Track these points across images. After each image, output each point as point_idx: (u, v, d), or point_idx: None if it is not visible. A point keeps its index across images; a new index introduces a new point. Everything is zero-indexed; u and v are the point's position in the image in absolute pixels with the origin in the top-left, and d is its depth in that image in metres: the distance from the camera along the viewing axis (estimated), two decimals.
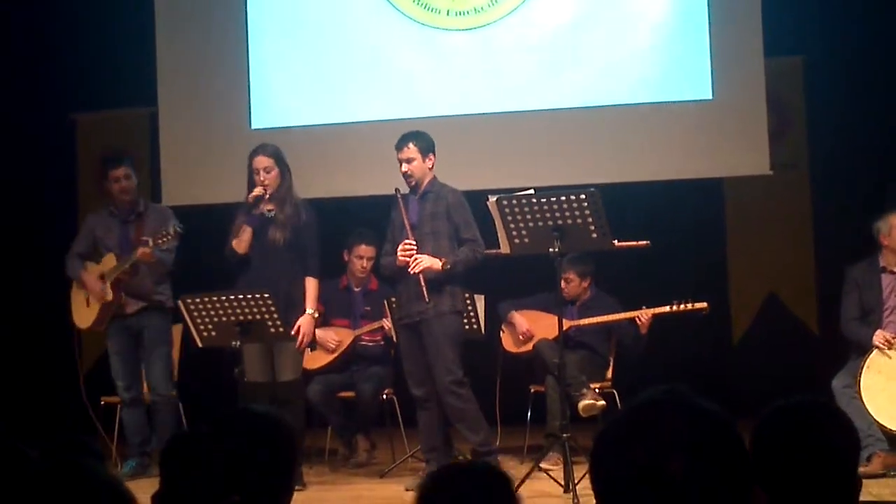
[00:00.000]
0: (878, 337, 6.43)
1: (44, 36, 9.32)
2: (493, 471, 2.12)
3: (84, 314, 7.12)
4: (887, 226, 6.64)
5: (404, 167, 6.47)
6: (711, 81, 8.04)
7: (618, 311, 7.33)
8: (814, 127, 8.69)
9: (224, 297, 6.27)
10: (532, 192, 6.16)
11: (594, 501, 1.64)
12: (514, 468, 6.80)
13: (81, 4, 9.14)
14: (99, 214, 7.30)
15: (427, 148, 6.50)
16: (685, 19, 8.12)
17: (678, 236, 8.34)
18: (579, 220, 6.02)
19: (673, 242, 8.08)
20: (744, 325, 8.98)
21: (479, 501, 2.05)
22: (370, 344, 7.60)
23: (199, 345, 6.45)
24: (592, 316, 7.34)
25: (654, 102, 8.13)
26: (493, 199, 6.16)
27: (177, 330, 7.45)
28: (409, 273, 6.32)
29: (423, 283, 6.27)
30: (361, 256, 7.58)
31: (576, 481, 5.69)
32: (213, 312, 6.29)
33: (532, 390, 7.30)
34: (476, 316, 7.14)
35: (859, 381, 6.34)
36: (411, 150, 6.47)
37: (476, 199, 6.49)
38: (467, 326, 6.82)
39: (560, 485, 5.92)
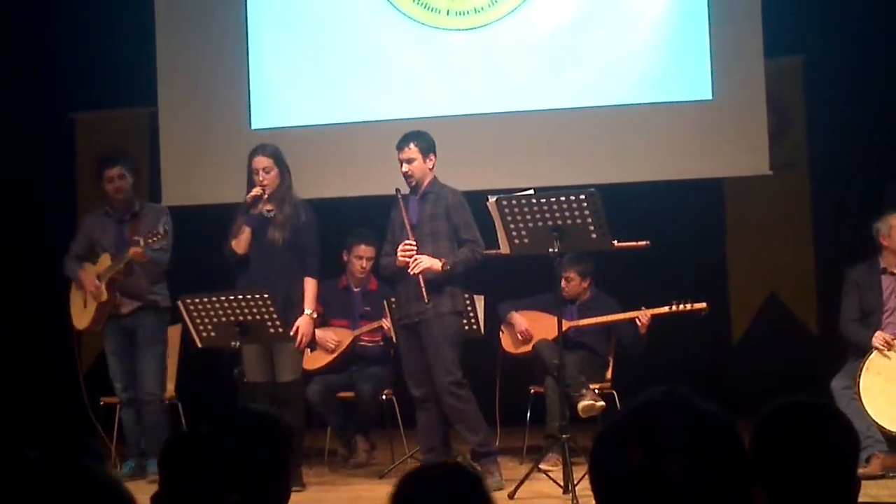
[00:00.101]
0: (878, 338, 6.42)
1: (44, 35, 9.32)
2: (465, 471, 2.13)
3: (81, 315, 7.12)
4: (886, 226, 6.64)
5: (405, 167, 6.47)
6: (711, 81, 8.04)
7: (617, 312, 7.33)
8: (813, 127, 8.69)
9: (223, 298, 6.27)
10: (532, 192, 6.16)
11: (593, 502, 1.64)
12: (513, 469, 6.81)
13: (81, 4, 9.14)
14: (95, 215, 7.30)
15: (428, 148, 6.50)
16: (685, 19, 8.12)
17: (678, 236, 8.34)
18: (579, 221, 6.02)
19: (672, 243, 8.08)
20: (743, 326, 8.98)
21: (452, 502, 2.06)
22: (369, 344, 7.60)
23: (199, 345, 6.45)
24: (592, 316, 7.34)
25: (653, 102, 8.13)
26: (492, 199, 6.16)
27: (176, 330, 7.45)
28: (409, 273, 6.32)
29: (422, 284, 6.26)
30: (361, 257, 7.58)
31: (575, 482, 5.69)
32: (212, 313, 6.29)
33: (531, 391, 7.30)
34: (476, 316, 7.15)
35: (858, 382, 6.34)
36: (412, 150, 6.47)
37: (476, 199, 6.49)
38: (467, 327, 6.82)
39: (559, 486, 5.92)
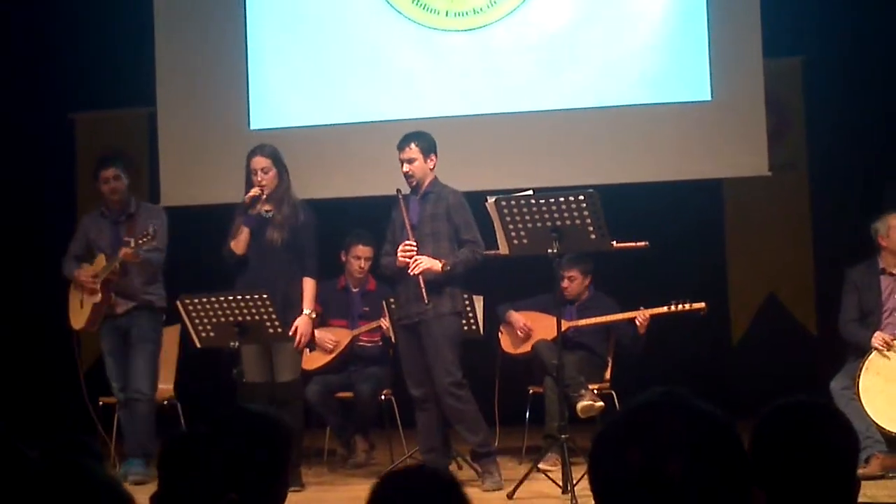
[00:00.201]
0: (877, 339, 6.42)
1: (43, 36, 9.33)
2: (442, 474, 2.13)
3: (78, 315, 7.12)
4: (885, 226, 6.64)
5: (405, 167, 6.47)
6: (710, 82, 8.05)
7: (616, 312, 7.34)
8: (812, 127, 8.70)
9: (222, 298, 6.27)
10: (531, 192, 6.16)
11: (592, 503, 1.64)
12: (512, 469, 6.81)
13: (81, 4, 9.14)
14: (92, 215, 7.30)
15: (429, 148, 6.50)
16: (684, 20, 8.13)
17: (677, 237, 8.34)
18: (578, 221, 6.02)
19: (672, 243, 8.08)
20: (743, 326, 8.98)
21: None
22: (368, 344, 7.60)
23: (198, 345, 6.45)
24: (591, 316, 7.34)
25: (652, 103, 8.13)
26: (491, 199, 6.16)
27: (175, 330, 7.45)
28: (409, 274, 6.33)
29: (422, 285, 6.26)
30: (359, 257, 7.58)
31: (574, 482, 5.69)
32: (211, 313, 6.29)
33: (531, 391, 7.30)
34: (475, 317, 7.15)
35: (858, 382, 6.34)
36: (413, 150, 6.47)
37: (475, 199, 6.49)
38: (466, 327, 6.82)
39: (558, 486, 5.92)
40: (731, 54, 8.01)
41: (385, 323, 7.32)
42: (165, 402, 7.51)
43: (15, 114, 9.16)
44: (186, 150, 8.61)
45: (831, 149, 8.53)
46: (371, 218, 7.55)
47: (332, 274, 7.56)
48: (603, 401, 6.88)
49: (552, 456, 6.54)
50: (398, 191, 6.52)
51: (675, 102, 8.13)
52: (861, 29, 8.38)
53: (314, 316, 6.63)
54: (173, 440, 2.84)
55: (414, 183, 6.50)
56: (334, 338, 7.49)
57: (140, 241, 6.71)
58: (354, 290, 7.70)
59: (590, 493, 1.63)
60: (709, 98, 8.07)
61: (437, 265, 6.31)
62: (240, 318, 6.25)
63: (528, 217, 6.07)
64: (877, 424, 6.26)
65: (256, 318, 6.25)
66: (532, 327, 7.31)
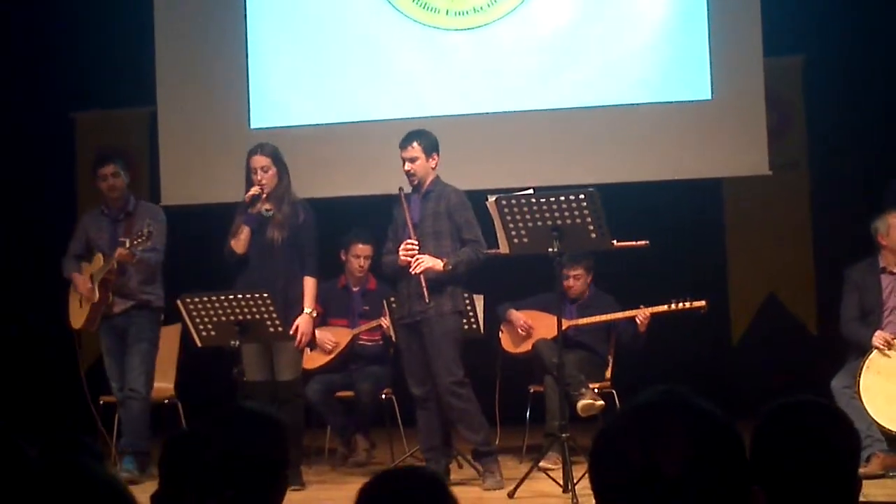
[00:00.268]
0: (878, 338, 6.42)
1: (43, 35, 9.32)
2: (428, 475, 2.14)
3: (77, 315, 7.12)
4: (885, 225, 6.64)
5: (407, 166, 6.46)
6: (710, 81, 8.04)
7: (616, 310, 7.34)
8: (813, 126, 8.69)
9: (223, 297, 6.27)
10: (531, 191, 6.16)
11: (593, 501, 1.64)
12: (513, 468, 6.80)
13: (81, 4, 9.14)
14: (92, 214, 7.29)
15: (431, 147, 6.50)
16: (684, 19, 8.13)
17: (677, 236, 8.34)
18: (578, 220, 6.02)
19: (672, 242, 8.07)
20: (743, 325, 8.98)
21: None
22: (369, 343, 7.60)
23: (199, 344, 6.45)
24: (591, 315, 7.34)
25: (653, 102, 8.14)
26: (492, 198, 6.16)
27: (176, 329, 7.45)
28: (411, 273, 6.32)
29: (424, 284, 6.26)
30: (358, 256, 7.58)
31: (575, 481, 5.69)
32: (212, 312, 6.29)
33: (531, 390, 7.30)
34: (475, 316, 7.15)
35: (859, 381, 6.34)
36: (415, 148, 6.46)
37: (475, 198, 6.49)
38: (466, 326, 6.82)
39: (559, 485, 5.92)
40: (731, 53, 8.00)
41: (385, 322, 7.32)
42: (166, 401, 7.51)
43: (15, 113, 9.16)
44: (187, 149, 8.61)
45: (832, 148, 8.52)
46: (371, 217, 7.55)
47: (333, 273, 7.56)
48: (603, 400, 6.88)
49: (553, 455, 6.54)
50: (400, 189, 6.52)
51: (675, 101, 8.13)
52: (862, 27, 8.37)
53: (315, 315, 6.63)
54: (174, 439, 2.84)
55: (416, 182, 6.50)
56: (334, 339, 7.49)
57: (135, 242, 6.69)
58: (355, 289, 7.70)
59: (590, 491, 1.63)
60: (709, 97, 8.07)
61: (438, 264, 6.31)
62: (240, 318, 6.25)
63: (528, 216, 6.07)
64: (877, 423, 6.26)
65: (257, 317, 6.25)
66: (532, 326, 7.31)
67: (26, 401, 8.61)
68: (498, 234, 6.21)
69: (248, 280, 6.51)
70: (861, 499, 2.33)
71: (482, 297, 7.29)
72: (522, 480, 5.97)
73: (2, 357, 9.10)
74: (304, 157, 7.73)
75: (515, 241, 6.14)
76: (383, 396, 7.42)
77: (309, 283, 6.55)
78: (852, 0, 8.42)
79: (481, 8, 8.30)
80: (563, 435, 5.99)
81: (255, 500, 2.39)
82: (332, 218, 7.24)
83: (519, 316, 7.37)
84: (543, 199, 6.04)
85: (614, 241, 6.35)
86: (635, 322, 7.17)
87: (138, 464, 6.88)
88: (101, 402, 7.38)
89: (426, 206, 6.48)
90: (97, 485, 1.76)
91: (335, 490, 6.60)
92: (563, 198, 6.02)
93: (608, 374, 7.42)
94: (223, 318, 6.28)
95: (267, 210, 6.55)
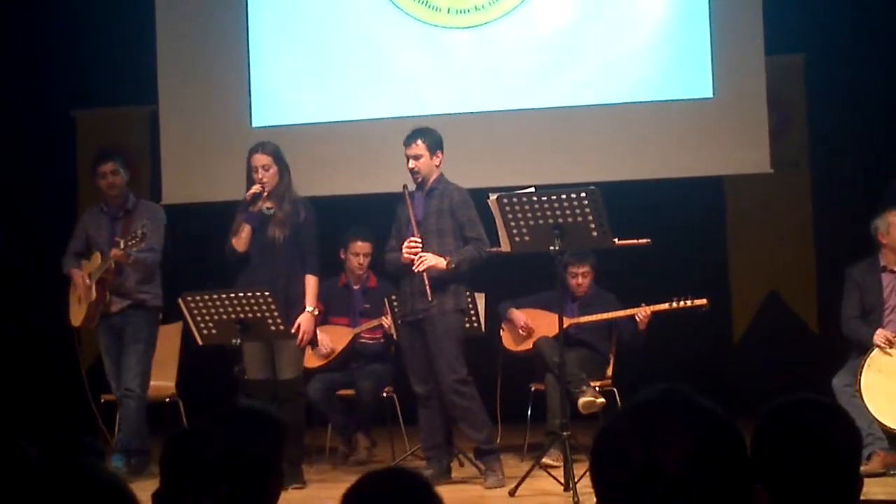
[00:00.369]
0: (879, 336, 6.43)
1: (44, 34, 9.32)
2: (414, 476, 2.15)
3: (76, 312, 7.11)
4: (885, 224, 6.64)
5: (411, 163, 6.46)
6: (712, 79, 8.04)
7: (618, 308, 7.34)
8: (814, 125, 8.70)
9: (224, 296, 6.27)
10: (532, 190, 6.16)
11: (594, 500, 1.64)
12: (514, 466, 6.80)
13: (82, 3, 9.15)
14: (92, 211, 7.29)
15: (435, 145, 6.50)
16: (686, 17, 8.13)
17: (679, 234, 8.34)
18: (580, 219, 6.01)
19: (673, 240, 8.08)
20: (744, 323, 8.98)
21: None
22: (370, 342, 7.60)
23: (200, 343, 6.45)
24: (593, 313, 7.35)
25: (654, 101, 8.14)
26: (493, 197, 6.16)
27: (177, 328, 7.45)
28: (414, 271, 6.32)
29: (427, 282, 6.26)
30: (358, 253, 7.59)
31: (576, 479, 5.69)
32: (213, 310, 6.29)
33: (532, 388, 7.30)
34: (476, 314, 7.15)
35: (860, 379, 6.34)
36: (419, 146, 6.46)
37: (477, 197, 6.49)
38: (467, 325, 6.82)
39: (560, 483, 5.92)
40: (733, 52, 8.00)
41: (386, 321, 7.32)
42: (167, 400, 7.52)
43: (16, 112, 9.17)
44: (188, 147, 8.61)
45: (833, 146, 8.53)
46: (372, 215, 7.55)
47: (334, 272, 7.56)
48: (604, 398, 6.88)
49: (554, 452, 6.54)
50: (405, 187, 6.51)
51: (677, 100, 8.13)
52: (863, 26, 8.37)
53: (316, 313, 6.63)
54: (174, 438, 2.84)
55: (419, 179, 6.49)
56: (330, 344, 7.48)
57: (129, 243, 6.67)
58: (355, 287, 7.70)
59: (591, 490, 1.63)
60: (711, 95, 8.07)
61: (441, 263, 6.31)
62: (241, 316, 6.25)
63: (529, 214, 6.07)
64: (878, 421, 6.27)
65: (258, 315, 6.24)
66: (533, 326, 7.31)
67: (27, 400, 8.61)
68: (499, 233, 6.20)
69: (250, 278, 6.50)
70: (864, 497, 2.32)
71: (483, 295, 7.29)
72: (524, 479, 5.97)
73: (2, 357, 9.10)
74: (305, 155, 7.73)
75: (517, 239, 6.14)
76: (384, 395, 7.43)
77: (310, 282, 6.55)
78: None
79: (482, 6, 8.30)
80: (565, 433, 5.98)
81: (250, 496, 2.40)
82: (332, 216, 7.24)
83: (520, 317, 7.37)
84: (545, 198, 6.04)
85: (615, 240, 6.36)
86: (636, 320, 7.17)
87: (136, 462, 6.88)
88: (102, 401, 7.38)
89: (430, 204, 6.48)
90: (98, 484, 1.76)
91: (336, 489, 6.56)
92: (564, 196, 6.02)
93: (609, 372, 7.42)
94: (224, 317, 6.28)
95: (268, 208, 6.55)
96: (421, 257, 6.31)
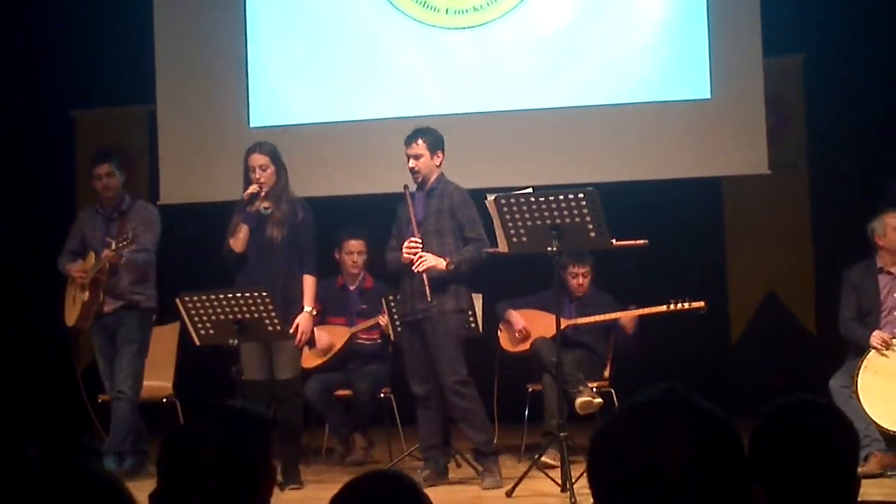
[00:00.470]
0: (875, 338, 6.43)
1: (43, 34, 9.32)
2: (403, 479, 2.15)
3: (71, 311, 7.10)
4: (882, 226, 6.65)
5: (411, 163, 6.46)
6: (710, 80, 8.05)
7: (615, 310, 7.34)
8: (813, 126, 8.70)
9: (222, 296, 6.26)
10: (530, 190, 6.16)
11: (591, 501, 1.64)
12: (511, 467, 6.80)
13: (81, 3, 9.14)
14: (88, 211, 7.28)
15: (436, 145, 6.49)
16: (684, 18, 8.13)
17: (677, 235, 8.34)
18: (577, 219, 6.02)
19: (671, 241, 8.07)
20: (742, 325, 8.98)
21: None
22: (367, 342, 7.60)
23: (197, 343, 6.45)
24: (591, 314, 7.34)
25: (652, 102, 8.14)
26: (491, 197, 6.16)
27: (175, 328, 7.44)
28: (414, 271, 6.32)
29: (426, 282, 6.26)
30: (351, 251, 7.59)
31: (573, 480, 5.69)
32: (210, 311, 6.28)
33: (530, 389, 7.30)
34: (474, 315, 7.14)
35: (857, 381, 6.35)
36: (420, 145, 6.46)
37: (475, 197, 6.49)
38: (465, 325, 6.82)
39: (557, 484, 5.92)
40: (731, 52, 8.01)
41: (383, 319, 7.32)
42: (164, 400, 7.51)
43: (15, 112, 9.16)
44: (186, 147, 8.61)
45: (831, 147, 8.52)
46: (369, 216, 7.55)
47: (331, 273, 7.56)
48: (602, 399, 6.88)
49: (552, 451, 6.54)
50: (405, 187, 6.51)
51: (675, 101, 8.14)
52: (861, 27, 8.37)
53: (315, 313, 6.63)
54: (170, 438, 2.84)
55: (419, 179, 6.49)
56: (329, 340, 7.47)
57: (120, 244, 6.66)
58: (352, 288, 7.70)
59: (589, 491, 1.63)
60: (709, 96, 8.07)
61: (441, 264, 6.31)
62: (239, 316, 6.25)
63: (527, 215, 6.07)
64: (875, 423, 6.27)
65: (256, 315, 6.24)
66: (530, 328, 7.30)
67: (26, 400, 8.60)
68: (497, 233, 6.20)
69: (248, 278, 6.50)
70: (860, 498, 2.33)
71: (481, 295, 7.29)
72: (521, 479, 5.97)
73: (2, 357, 9.09)
74: (302, 155, 7.73)
75: (514, 240, 6.14)
76: (382, 395, 7.42)
77: (308, 282, 6.54)
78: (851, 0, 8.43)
79: (480, 7, 8.30)
80: (562, 434, 5.99)
81: (239, 495, 2.40)
82: (329, 217, 7.24)
83: (518, 320, 7.36)
84: (543, 198, 6.04)
85: (613, 240, 6.35)
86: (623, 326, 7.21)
87: (131, 463, 6.86)
88: (100, 401, 7.38)
89: (430, 204, 6.48)
90: (97, 484, 1.76)
91: (333, 489, 6.49)
92: (562, 197, 6.02)
93: (606, 373, 7.42)
94: (222, 317, 6.27)
95: (265, 208, 6.54)
96: (421, 257, 6.31)
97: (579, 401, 6.78)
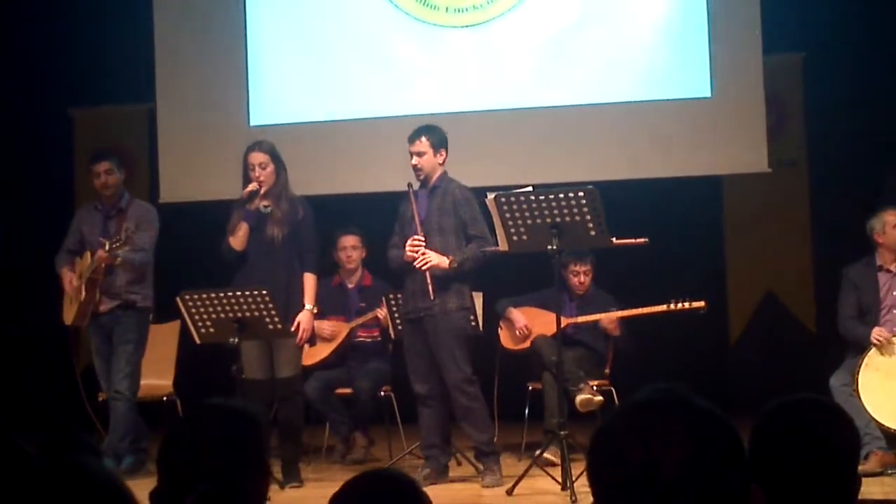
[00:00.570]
0: (876, 332, 6.43)
1: (42, 33, 9.32)
2: (402, 477, 2.15)
3: (68, 309, 7.10)
4: (881, 223, 6.65)
5: (415, 160, 6.45)
6: (710, 79, 8.05)
7: (615, 309, 7.34)
8: (812, 124, 8.70)
9: (222, 294, 6.26)
10: (530, 189, 6.16)
11: (592, 499, 1.64)
12: (512, 465, 6.80)
13: (80, 2, 9.14)
14: (86, 208, 7.28)
15: (439, 143, 6.48)
16: (685, 17, 8.13)
17: (676, 234, 8.34)
18: (577, 218, 6.02)
19: (671, 240, 8.07)
20: (741, 324, 8.98)
21: None
22: (367, 340, 7.61)
23: (198, 341, 6.45)
24: (591, 312, 7.34)
25: (653, 100, 8.14)
26: (491, 196, 6.16)
27: (175, 326, 7.44)
28: (416, 269, 6.32)
29: (429, 281, 6.26)
30: (345, 247, 7.61)
31: (574, 479, 5.69)
32: (211, 309, 6.28)
33: (530, 387, 7.30)
34: (474, 313, 7.14)
35: (857, 379, 6.35)
36: (423, 143, 6.45)
37: (476, 196, 6.49)
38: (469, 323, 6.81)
39: (557, 482, 5.92)
40: (731, 51, 8.01)
41: (382, 312, 7.32)
42: (165, 399, 7.51)
43: (14, 110, 9.16)
44: (186, 146, 8.60)
45: (831, 146, 8.52)
46: (369, 214, 7.54)
47: (329, 272, 7.55)
48: (602, 397, 6.88)
49: (552, 448, 6.54)
50: (409, 185, 6.51)
51: (675, 99, 8.14)
52: (861, 25, 8.37)
53: (315, 311, 6.62)
54: (169, 437, 2.84)
55: (422, 176, 6.48)
56: (333, 327, 7.48)
57: (114, 245, 6.65)
58: (350, 286, 7.70)
59: (589, 489, 1.63)
60: (709, 94, 8.07)
61: (444, 262, 6.31)
62: (239, 315, 6.25)
63: (527, 213, 6.06)
64: (876, 421, 6.27)
65: (256, 314, 6.24)
66: (531, 326, 7.30)
67: (26, 400, 8.60)
68: (497, 232, 6.20)
69: (248, 277, 6.49)
70: (860, 496, 2.33)
71: (481, 294, 7.28)
72: (521, 478, 5.97)
73: (1, 357, 9.08)
74: (302, 154, 7.72)
75: (515, 238, 6.14)
76: (382, 394, 7.42)
77: (309, 280, 6.54)
78: None
79: (480, 5, 8.30)
80: (562, 432, 5.99)
81: (233, 493, 2.40)
82: (328, 216, 7.24)
83: (519, 318, 7.36)
84: (543, 197, 6.04)
85: (613, 239, 6.35)
86: (625, 322, 7.21)
87: (131, 462, 6.87)
88: (100, 400, 7.37)
89: (432, 202, 6.47)
90: (97, 483, 1.76)
91: (333, 487, 6.50)
92: (562, 195, 6.02)
93: (607, 371, 7.42)
94: (222, 315, 6.27)
95: (265, 207, 6.54)
96: (424, 255, 6.31)
97: (580, 398, 6.79)
